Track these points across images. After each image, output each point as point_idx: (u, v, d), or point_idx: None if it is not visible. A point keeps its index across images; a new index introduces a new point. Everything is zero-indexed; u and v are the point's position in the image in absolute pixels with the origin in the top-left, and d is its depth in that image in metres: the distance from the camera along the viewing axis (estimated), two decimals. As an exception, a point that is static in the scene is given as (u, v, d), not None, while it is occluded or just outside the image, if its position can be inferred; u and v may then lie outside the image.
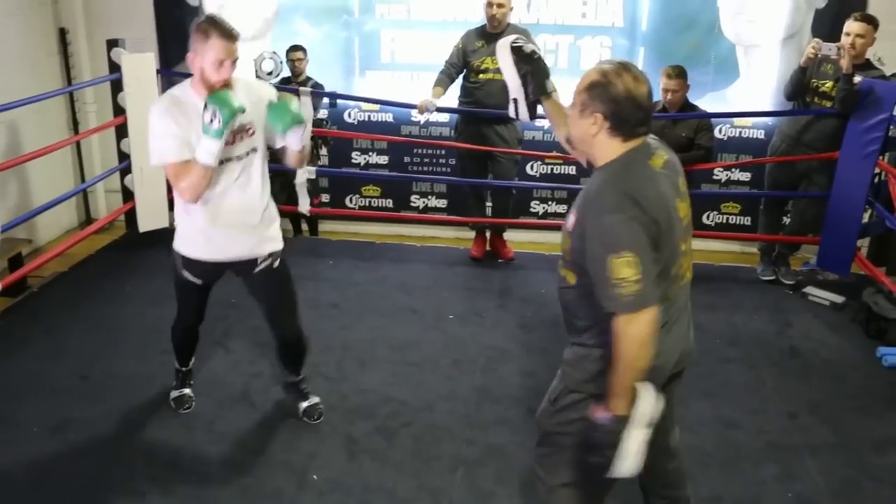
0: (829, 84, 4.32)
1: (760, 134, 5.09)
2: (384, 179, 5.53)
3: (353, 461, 2.94)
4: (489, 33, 4.56)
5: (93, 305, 4.16)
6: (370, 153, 5.50)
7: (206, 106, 2.44)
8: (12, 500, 2.71)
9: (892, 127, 4.28)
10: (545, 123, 4.90)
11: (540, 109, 2.29)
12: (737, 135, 5.15)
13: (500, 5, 4.45)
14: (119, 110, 4.83)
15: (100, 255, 4.90)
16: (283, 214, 2.94)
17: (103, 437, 3.04)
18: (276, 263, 2.83)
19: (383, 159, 5.49)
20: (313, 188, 5.07)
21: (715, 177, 5.27)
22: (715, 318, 4.19)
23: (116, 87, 4.77)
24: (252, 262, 2.79)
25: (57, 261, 4.48)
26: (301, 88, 4.75)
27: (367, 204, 5.62)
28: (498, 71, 4.36)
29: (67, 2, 5.23)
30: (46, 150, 4.39)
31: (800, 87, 4.40)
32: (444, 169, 5.44)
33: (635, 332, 1.78)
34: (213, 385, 3.39)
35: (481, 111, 4.67)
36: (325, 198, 5.54)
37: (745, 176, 5.25)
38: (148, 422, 3.14)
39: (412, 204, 5.59)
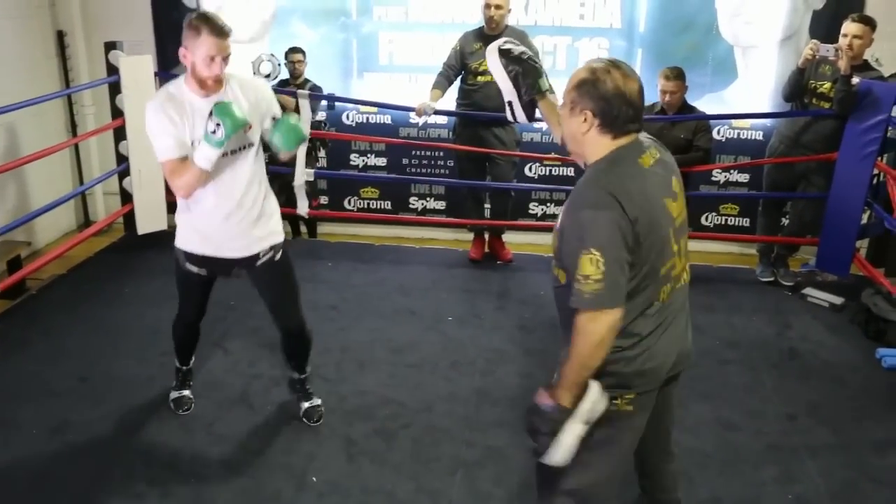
0: (828, 85, 4.32)
1: (759, 135, 5.09)
2: (383, 181, 5.52)
3: (352, 463, 2.94)
4: (487, 35, 4.56)
5: (91, 307, 4.15)
6: (368, 155, 5.50)
7: (210, 114, 2.46)
8: (12, 501, 2.71)
9: (890, 128, 4.28)
10: (543, 125, 4.91)
11: (537, 112, 2.29)
12: (735, 136, 5.16)
13: (497, 7, 4.46)
14: (117, 112, 4.83)
15: (98, 257, 4.90)
16: (281, 216, 2.96)
17: (102, 438, 3.04)
18: (278, 256, 2.85)
19: (382, 161, 5.49)
20: (312, 190, 5.07)
21: (713, 178, 5.27)
22: (714, 319, 4.19)
23: (114, 89, 4.78)
24: (254, 257, 2.80)
25: (56, 263, 4.48)
26: (299, 91, 4.75)
27: (366, 206, 5.61)
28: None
29: (65, 4, 5.22)
30: (45, 152, 4.39)
31: (798, 88, 4.40)
32: (442, 171, 5.44)
33: (592, 330, 1.79)
34: (211, 387, 3.39)
35: (479, 114, 4.68)
36: (323, 200, 5.54)
37: (744, 177, 5.25)
38: (147, 424, 3.14)
39: (411, 206, 5.58)
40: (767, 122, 5.01)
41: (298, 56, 4.91)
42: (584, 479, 2.01)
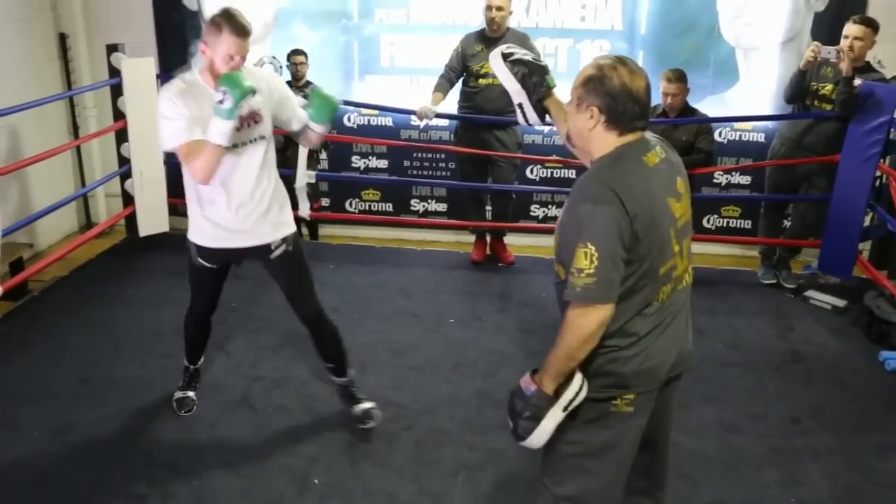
0: (830, 87, 4.32)
1: (760, 137, 5.09)
2: (384, 183, 5.52)
3: (354, 465, 2.94)
4: (488, 37, 4.57)
5: (93, 309, 4.15)
6: (370, 157, 5.50)
7: (217, 86, 2.48)
8: (14, 502, 2.71)
9: (892, 130, 4.28)
10: (545, 127, 4.91)
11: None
12: (737, 138, 5.15)
13: (499, 8, 4.46)
14: (119, 115, 4.83)
15: (100, 259, 4.90)
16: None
17: (104, 440, 3.03)
18: (292, 247, 2.88)
19: (383, 163, 5.49)
20: (313, 192, 5.07)
21: (715, 180, 5.27)
22: (716, 322, 4.18)
23: (116, 91, 4.78)
24: (266, 248, 2.83)
25: (57, 265, 4.48)
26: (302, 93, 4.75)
27: (367, 208, 5.61)
28: (498, 75, 4.39)
29: (67, 7, 5.23)
30: (47, 154, 4.40)
31: (799, 90, 4.40)
32: (443, 173, 5.44)
33: (581, 324, 1.80)
34: (213, 388, 3.39)
35: (480, 117, 4.68)
36: (325, 202, 5.54)
37: (746, 179, 5.24)
38: (148, 425, 3.14)
39: (412, 208, 5.58)
40: (769, 124, 5.01)
41: (300, 58, 4.91)
42: (586, 484, 2.00)
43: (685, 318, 2.04)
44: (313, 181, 4.99)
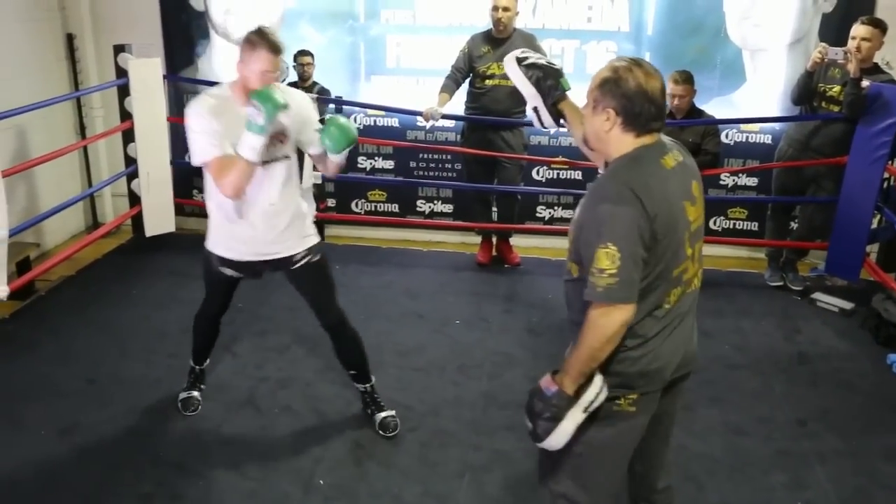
0: (837, 88, 4.30)
1: (767, 139, 5.07)
2: (390, 184, 5.52)
3: (360, 466, 2.94)
4: (495, 38, 4.56)
5: (100, 309, 4.16)
6: (376, 158, 5.50)
7: (249, 102, 2.50)
8: (20, 502, 2.72)
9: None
10: (550, 129, 4.90)
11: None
12: (744, 139, 5.13)
13: (505, 9, 4.46)
14: (126, 115, 4.85)
15: (107, 259, 4.91)
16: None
17: (110, 440, 3.04)
18: (316, 258, 2.90)
19: (389, 164, 5.49)
20: (319, 193, 5.07)
21: (722, 182, 5.25)
22: (722, 324, 4.17)
23: (123, 91, 4.80)
24: (288, 260, 2.85)
25: (64, 265, 4.49)
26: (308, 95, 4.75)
27: (373, 209, 5.61)
28: (504, 77, 4.36)
29: (75, 8, 5.24)
30: (54, 154, 4.42)
31: (806, 91, 4.38)
32: (450, 174, 5.44)
33: (603, 324, 1.80)
34: (219, 389, 3.39)
35: (486, 119, 4.67)
36: (330, 202, 5.53)
37: (752, 181, 5.22)
38: (155, 425, 3.15)
39: (418, 209, 5.58)
40: (776, 125, 4.99)
41: (307, 59, 4.91)
42: (585, 482, 2.02)
43: (692, 321, 2.05)
44: (319, 182, 5.00)
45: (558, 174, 5.36)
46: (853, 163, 4.33)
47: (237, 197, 2.65)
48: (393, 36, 5.23)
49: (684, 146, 2.05)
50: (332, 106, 5.10)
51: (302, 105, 2.78)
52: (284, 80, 4.85)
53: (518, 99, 3.83)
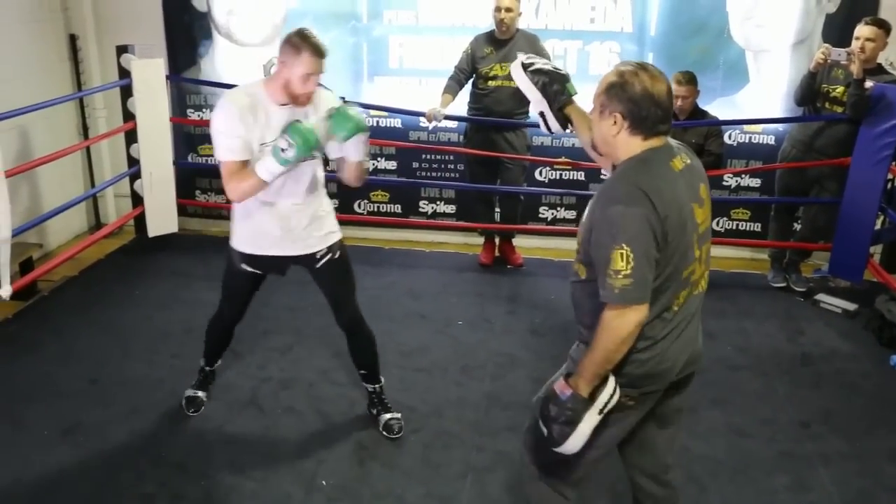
0: (841, 89, 4.30)
1: (771, 139, 5.06)
2: (392, 185, 5.52)
3: (362, 467, 2.93)
4: (498, 39, 4.56)
5: (102, 309, 4.17)
6: (378, 158, 5.49)
7: (285, 129, 2.49)
8: (22, 501, 2.72)
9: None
10: (557, 133, 4.89)
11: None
12: (746, 140, 5.12)
13: (508, 10, 4.45)
14: (128, 116, 4.85)
15: (109, 259, 4.92)
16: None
17: (112, 440, 3.04)
18: (338, 254, 2.91)
19: (392, 165, 5.49)
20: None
21: (725, 183, 5.24)
22: (725, 325, 4.17)
23: (126, 92, 4.80)
24: (311, 256, 2.86)
25: (67, 265, 4.50)
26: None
27: (376, 209, 5.61)
28: (507, 78, 4.37)
29: (78, 9, 5.24)
30: (57, 155, 4.42)
31: (809, 92, 4.38)
32: (452, 174, 5.43)
33: (618, 326, 1.81)
34: (222, 389, 3.39)
35: (489, 119, 4.67)
36: (333, 203, 5.52)
37: (755, 182, 5.21)
38: (157, 425, 3.15)
39: (421, 209, 5.57)
40: (779, 126, 4.98)
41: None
42: (567, 460, 2.03)
43: (697, 322, 2.06)
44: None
45: (561, 175, 5.36)
46: (857, 164, 4.33)
47: (239, 202, 2.67)
48: (396, 37, 5.22)
49: (690, 148, 2.07)
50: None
51: (333, 105, 2.72)
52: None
53: (521, 100, 3.83)
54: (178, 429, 3.13)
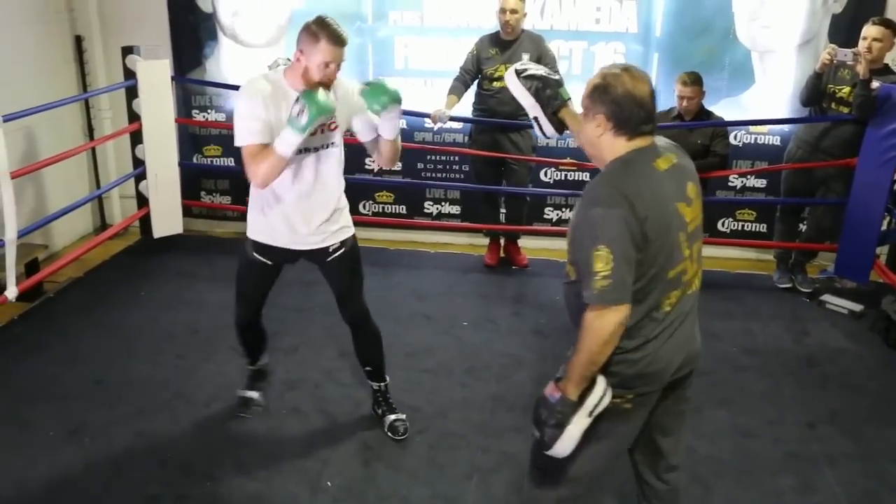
0: (847, 89, 4.28)
1: (776, 140, 5.05)
2: (398, 186, 5.52)
3: (368, 468, 2.93)
4: (503, 40, 4.56)
5: (108, 310, 4.17)
6: (383, 159, 5.49)
7: (297, 99, 2.47)
8: (28, 502, 2.72)
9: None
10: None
11: None
12: (752, 141, 5.11)
13: (513, 11, 4.45)
14: (134, 117, 4.86)
15: (114, 260, 4.93)
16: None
17: (117, 441, 3.04)
18: (350, 249, 2.91)
19: (397, 166, 5.48)
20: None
21: (730, 183, 5.23)
22: (731, 325, 4.15)
23: (131, 93, 4.81)
24: (324, 250, 2.85)
25: (72, 266, 4.51)
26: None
27: (381, 210, 5.61)
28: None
29: (83, 10, 5.25)
30: (62, 156, 4.43)
31: (815, 92, 4.36)
32: (457, 175, 5.43)
33: (600, 326, 1.83)
34: (226, 390, 3.39)
35: (494, 121, 4.67)
36: (338, 203, 5.53)
37: (761, 183, 5.20)
38: (162, 426, 3.15)
39: (426, 210, 5.57)
40: (785, 127, 4.97)
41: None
42: (576, 469, 2.04)
43: (693, 322, 2.07)
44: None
45: (566, 176, 5.35)
46: (863, 164, 4.31)
47: (262, 187, 2.62)
48: (401, 37, 5.23)
49: (682, 148, 2.08)
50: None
51: (354, 94, 2.69)
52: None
53: (526, 101, 3.83)
54: (183, 429, 3.13)
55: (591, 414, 1.89)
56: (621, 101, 1.87)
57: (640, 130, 1.91)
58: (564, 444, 1.91)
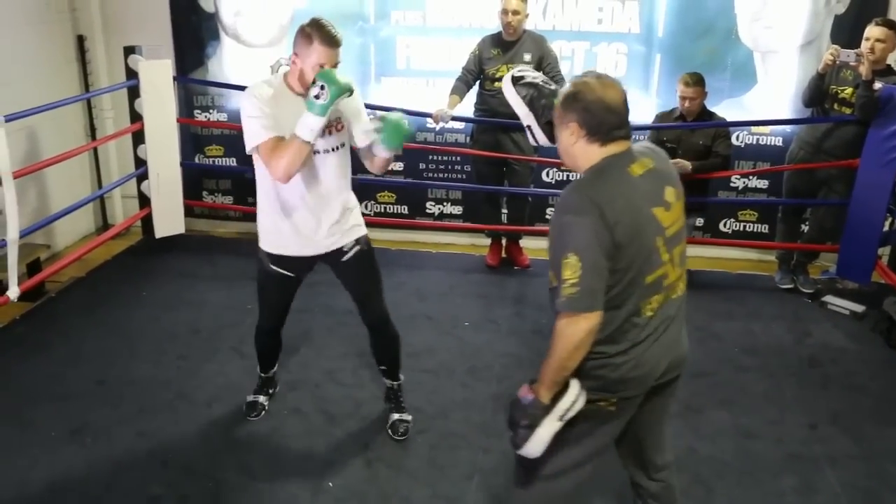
0: (849, 90, 4.28)
1: (778, 141, 5.04)
2: (399, 186, 5.52)
3: (369, 468, 2.93)
4: (505, 41, 4.56)
5: (109, 310, 4.18)
6: (385, 159, 5.49)
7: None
8: (30, 501, 2.72)
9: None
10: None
11: None
12: (754, 142, 5.11)
13: (515, 12, 4.45)
14: (136, 117, 4.86)
15: (116, 260, 4.93)
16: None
17: (119, 441, 3.05)
18: (365, 249, 2.89)
19: (398, 166, 5.49)
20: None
21: (732, 184, 5.22)
22: (732, 326, 4.14)
23: (133, 93, 4.81)
24: (338, 252, 2.83)
25: (74, 266, 4.51)
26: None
27: (383, 210, 5.61)
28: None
29: (85, 10, 5.26)
30: (64, 156, 4.43)
31: (818, 93, 4.36)
32: (459, 175, 5.43)
33: (570, 333, 1.84)
34: (228, 390, 3.39)
35: (496, 121, 4.67)
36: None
37: (763, 183, 5.20)
38: (164, 426, 3.15)
39: (427, 210, 5.58)
40: (787, 127, 4.97)
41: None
42: (556, 467, 2.05)
43: (679, 326, 2.08)
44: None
45: (568, 176, 5.35)
46: (865, 165, 4.31)
47: (286, 180, 2.55)
48: (403, 37, 5.23)
49: (664, 152, 2.10)
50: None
51: (355, 97, 2.70)
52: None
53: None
54: (185, 430, 3.14)
55: (561, 418, 1.91)
56: (592, 108, 1.89)
57: (614, 136, 1.92)
58: (534, 445, 1.93)
